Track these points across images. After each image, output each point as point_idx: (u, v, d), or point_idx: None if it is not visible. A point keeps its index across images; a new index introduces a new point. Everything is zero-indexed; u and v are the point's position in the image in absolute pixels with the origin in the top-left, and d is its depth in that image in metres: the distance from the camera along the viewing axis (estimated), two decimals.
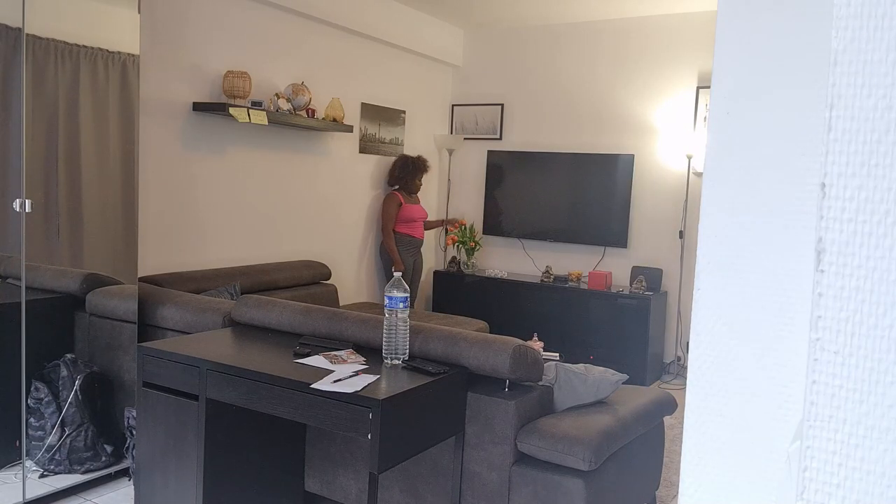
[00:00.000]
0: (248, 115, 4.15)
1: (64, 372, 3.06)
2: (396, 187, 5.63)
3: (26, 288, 2.89)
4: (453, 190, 6.52)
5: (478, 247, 6.16)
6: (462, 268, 6.08)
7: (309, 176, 5.07)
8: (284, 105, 4.49)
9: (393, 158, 5.90)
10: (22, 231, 2.84)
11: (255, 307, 3.00)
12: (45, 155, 2.97)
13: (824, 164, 0.52)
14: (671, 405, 3.03)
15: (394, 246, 5.48)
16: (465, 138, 6.42)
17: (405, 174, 5.55)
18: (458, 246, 6.14)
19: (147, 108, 3.82)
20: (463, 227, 6.10)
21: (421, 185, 5.67)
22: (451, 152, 6.44)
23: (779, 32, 0.71)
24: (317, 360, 2.46)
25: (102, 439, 3.17)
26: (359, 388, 2.16)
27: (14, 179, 2.84)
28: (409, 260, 5.55)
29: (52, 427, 3.03)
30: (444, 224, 6.03)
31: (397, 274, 2.51)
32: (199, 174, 4.24)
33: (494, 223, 6.24)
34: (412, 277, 5.61)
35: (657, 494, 3.17)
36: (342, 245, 5.46)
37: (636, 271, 5.50)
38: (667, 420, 3.45)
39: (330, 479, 2.85)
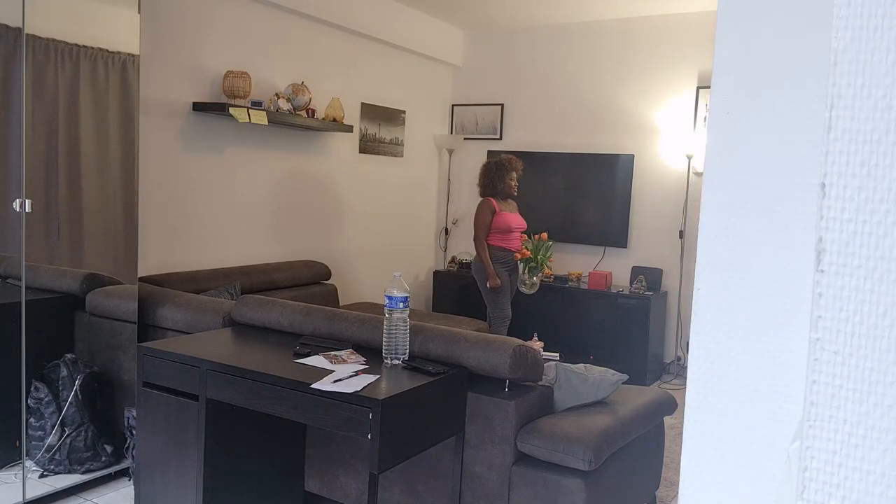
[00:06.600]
0: (248, 115, 4.15)
1: (64, 372, 3.06)
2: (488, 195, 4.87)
3: (26, 288, 2.89)
4: (453, 190, 6.52)
5: (541, 267, 4.93)
6: (522, 288, 4.98)
7: (309, 176, 5.07)
8: (284, 105, 4.49)
9: (392, 158, 5.90)
10: (22, 231, 2.84)
11: (255, 307, 3.00)
12: (45, 155, 2.97)
13: (824, 164, 0.52)
14: (671, 405, 3.03)
15: (487, 257, 4.74)
16: (465, 138, 6.42)
17: (489, 179, 4.81)
18: (522, 263, 4.91)
19: (147, 108, 3.82)
20: (540, 243, 4.88)
21: (514, 185, 4.84)
22: (451, 152, 6.44)
23: (779, 32, 0.71)
24: (317, 360, 2.46)
25: (102, 439, 3.17)
26: (359, 388, 2.15)
27: (14, 179, 2.83)
28: (503, 277, 4.81)
29: (52, 427, 3.03)
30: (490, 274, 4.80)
31: (397, 274, 2.50)
32: (200, 174, 4.24)
33: None
34: (508, 297, 4.88)
35: (657, 494, 3.17)
36: (342, 245, 5.46)
37: (636, 271, 5.50)
38: (667, 420, 3.44)
39: (330, 479, 2.85)
